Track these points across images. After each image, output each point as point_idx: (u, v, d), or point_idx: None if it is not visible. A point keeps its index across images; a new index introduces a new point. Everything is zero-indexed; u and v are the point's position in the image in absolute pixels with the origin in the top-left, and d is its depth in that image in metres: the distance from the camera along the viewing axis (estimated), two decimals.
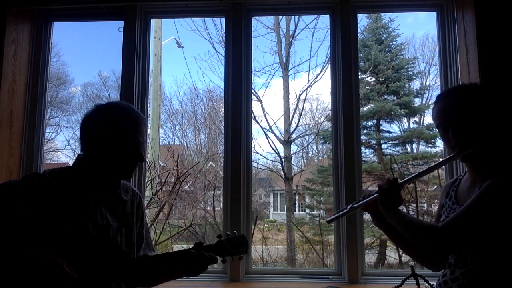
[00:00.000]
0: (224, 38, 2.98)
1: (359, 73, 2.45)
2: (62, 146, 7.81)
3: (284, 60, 7.28)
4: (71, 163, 1.47)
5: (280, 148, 7.13)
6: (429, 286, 1.88)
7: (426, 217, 5.69)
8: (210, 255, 1.39)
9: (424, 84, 9.27)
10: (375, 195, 1.40)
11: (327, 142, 8.64)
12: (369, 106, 8.50)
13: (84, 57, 8.32)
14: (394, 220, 1.33)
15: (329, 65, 2.73)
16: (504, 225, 1.20)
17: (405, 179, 1.41)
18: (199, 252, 1.39)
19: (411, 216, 1.38)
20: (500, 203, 1.19)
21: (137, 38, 2.41)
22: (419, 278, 1.92)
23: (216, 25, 6.67)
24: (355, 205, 1.46)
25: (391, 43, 9.08)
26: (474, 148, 1.29)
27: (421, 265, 1.62)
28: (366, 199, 1.43)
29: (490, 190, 1.21)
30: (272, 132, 7.03)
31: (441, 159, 1.49)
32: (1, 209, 1.22)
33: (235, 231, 1.56)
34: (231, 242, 1.48)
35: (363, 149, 8.57)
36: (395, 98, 8.61)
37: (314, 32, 7.04)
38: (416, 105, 8.57)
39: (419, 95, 8.95)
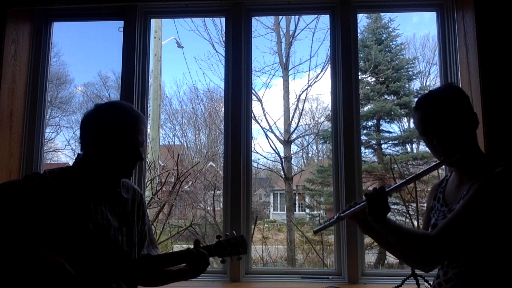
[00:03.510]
0: (224, 38, 2.98)
1: (359, 73, 2.45)
2: (62, 146, 7.81)
3: (284, 60, 7.26)
4: (71, 163, 1.47)
5: (280, 148, 7.12)
6: (429, 286, 1.88)
7: None
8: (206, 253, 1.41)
9: (424, 84, 9.26)
10: (362, 204, 1.37)
11: (327, 142, 8.63)
12: (369, 106, 8.50)
13: (84, 57, 8.35)
14: (385, 230, 1.31)
15: (329, 65, 2.73)
16: (495, 226, 1.21)
17: (392, 187, 1.38)
18: (197, 249, 1.40)
19: (401, 224, 1.35)
20: (489, 206, 1.19)
21: (137, 38, 2.41)
22: (419, 278, 1.92)
23: (216, 25, 6.66)
24: (341, 215, 1.43)
25: (391, 43, 9.09)
26: (459, 155, 1.29)
27: (413, 268, 1.62)
28: (353, 208, 1.41)
29: (479, 193, 1.21)
30: (272, 132, 7.02)
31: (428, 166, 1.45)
32: (2, 209, 1.22)
33: (234, 232, 1.56)
34: (230, 243, 1.49)
35: (363, 149, 8.58)
36: (395, 98, 8.61)
37: (315, 32, 6.97)
38: None
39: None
